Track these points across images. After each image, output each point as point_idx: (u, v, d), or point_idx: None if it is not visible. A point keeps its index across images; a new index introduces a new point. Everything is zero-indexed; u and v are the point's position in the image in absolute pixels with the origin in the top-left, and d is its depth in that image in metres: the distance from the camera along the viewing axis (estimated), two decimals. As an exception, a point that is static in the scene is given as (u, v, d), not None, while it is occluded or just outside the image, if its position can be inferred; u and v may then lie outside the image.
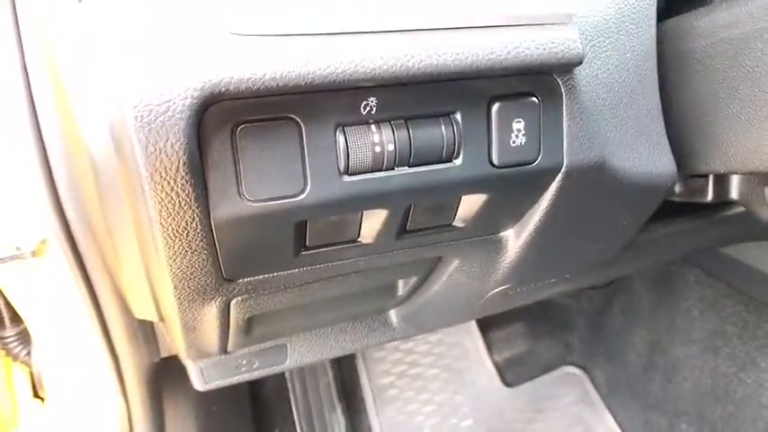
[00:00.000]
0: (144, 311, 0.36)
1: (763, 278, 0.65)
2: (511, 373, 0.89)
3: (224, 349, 0.39)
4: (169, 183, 0.21)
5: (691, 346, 0.78)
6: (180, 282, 0.26)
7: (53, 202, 0.34)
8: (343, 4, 0.22)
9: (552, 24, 0.25)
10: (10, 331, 0.56)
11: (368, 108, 0.24)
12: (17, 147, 0.33)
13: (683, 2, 0.36)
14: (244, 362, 0.42)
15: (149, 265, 0.29)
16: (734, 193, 0.39)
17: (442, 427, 0.82)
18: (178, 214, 0.22)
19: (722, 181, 0.40)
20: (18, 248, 0.46)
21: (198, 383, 0.41)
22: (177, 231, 0.23)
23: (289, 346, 0.43)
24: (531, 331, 0.92)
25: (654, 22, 0.34)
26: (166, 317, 0.34)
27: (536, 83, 0.26)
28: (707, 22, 0.34)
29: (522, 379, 0.90)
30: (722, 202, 0.40)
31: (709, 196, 0.39)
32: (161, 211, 0.22)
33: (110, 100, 0.21)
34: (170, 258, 0.24)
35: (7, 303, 0.56)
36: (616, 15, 0.32)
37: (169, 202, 0.21)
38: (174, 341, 0.39)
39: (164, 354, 0.45)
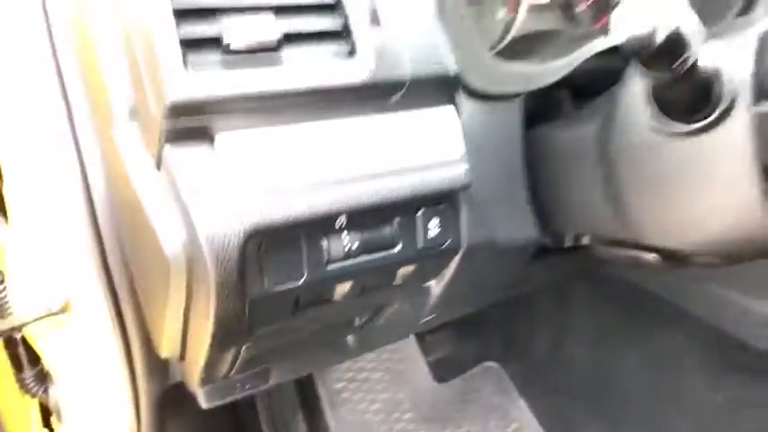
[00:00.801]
0: (169, 351, 0.48)
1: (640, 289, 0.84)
2: (441, 371, 1.05)
3: (227, 377, 0.51)
4: (228, 283, 0.34)
5: (583, 342, 0.97)
6: (217, 339, 0.39)
7: (100, 258, 0.45)
8: (326, 164, 0.36)
9: (451, 162, 0.40)
10: (28, 372, 0.65)
11: (341, 223, 0.38)
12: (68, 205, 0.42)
13: (542, 116, 0.52)
14: (238, 384, 0.55)
15: (190, 324, 0.41)
16: (584, 241, 0.56)
17: (387, 422, 0.97)
18: (229, 301, 0.35)
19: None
20: (49, 309, 0.56)
21: (204, 404, 0.54)
22: (225, 310, 0.36)
23: (271, 369, 0.56)
24: (456, 334, 1.08)
25: (519, 132, 0.50)
26: (190, 357, 0.47)
27: (444, 197, 0.41)
28: (559, 132, 0.51)
29: (451, 375, 1.06)
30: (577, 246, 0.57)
31: (568, 244, 0.56)
32: (218, 301, 0.35)
33: (184, 225, 0.33)
34: (215, 325, 0.37)
35: (26, 347, 0.65)
36: (493, 132, 0.48)
37: (224, 295, 0.34)
38: (188, 373, 0.51)
39: (171, 381, 0.56)
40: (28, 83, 0.40)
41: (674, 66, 0.29)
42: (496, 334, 1.07)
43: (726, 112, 0.34)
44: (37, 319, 0.52)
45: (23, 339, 0.60)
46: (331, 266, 0.38)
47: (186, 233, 0.33)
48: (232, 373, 0.52)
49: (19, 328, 0.53)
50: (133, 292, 0.45)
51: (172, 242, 0.34)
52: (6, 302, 0.55)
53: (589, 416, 0.95)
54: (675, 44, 0.28)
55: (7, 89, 0.42)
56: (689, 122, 0.35)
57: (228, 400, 0.56)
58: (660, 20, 0.27)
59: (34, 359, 0.62)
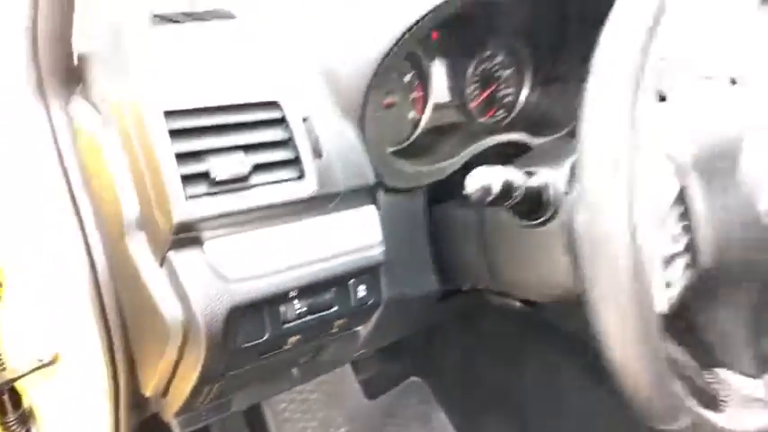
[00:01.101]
0: (153, 391, 0.60)
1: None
2: (371, 388, 1.20)
3: (197, 408, 0.63)
4: (214, 344, 0.47)
5: (489, 359, 1.14)
6: (199, 382, 0.52)
7: (102, 319, 0.56)
8: (284, 255, 0.50)
9: (372, 246, 0.56)
10: (12, 416, 0.73)
11: (293, 294, 0.51)
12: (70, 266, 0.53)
13: (445, 195, 0.69)
14: (204, 413, 0.67)
15: (178, 372, 0.54)
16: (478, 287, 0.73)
17: (324, 434, 1.11)
18: (213, 356, 0.48)
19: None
20: (40, 360, 0.66)
21: (178, 431, 0.65)
22: (210, 362, 0.49)
23: (233, 399, 0.69)
24: (383, 356, 1.23)
25: (423, 212, 0.66)
26: (172, 395, 0.59)
27: (367, 270, 0.56)
28: (454, 211, 0.67)
29: (380, 392, 1.21)
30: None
31: (467, 287, 0.72)
32: (205, 357, 0.48)
33: (182, 306, 0.46)
34: (200, 373, 0.50)
35: (11, 391, 0.73)
36: (404, 215, 0.64)
37: (211, 352, 0.47)
38: (166, 407, 0.63)
39: (147, 414, 0.67)
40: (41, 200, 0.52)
41: (507, 203, 0.45)
42: (418, 354, 1.23)
43: (551, 217, 0.51)
44: (30, 372, 0.63)
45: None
46: (286, 326, 0.52)
47: (183, 312, 0.46)
48: (203, 405, 0.65)
49: (13, 381, 0.63)
50: (126, 346, 0.57)
51: (172, 318, 0.46)
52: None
53: (496, 421, 1.13)
54: (507, 191, 0.44)
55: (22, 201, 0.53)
56: (530, 220, 0.52)
57: (199, 426, 0.68)
58: (495, 176, 0.43)
59: (16, 401, 0.71)
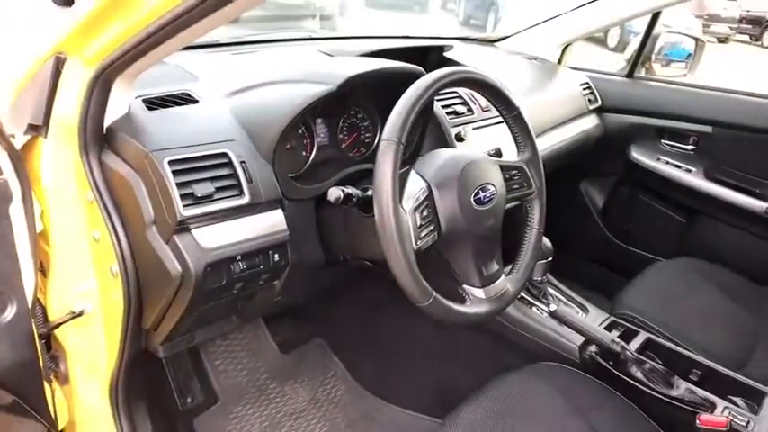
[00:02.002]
0: (149, 324, 0.98)
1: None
2: (285, 347, 1.61)
3: (173, 339, 1.03)
4: (197, 286, 0.87)
5: (370, 315, 1.60)
6: (184, 314, 0.92)
7: (124, 276, 0.95)
8: (232, 236, 0.92)
9: (281, 232, 0.98)
10: (46, 355, 1.06)
11: (239, 258, 0.93)
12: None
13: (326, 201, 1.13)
14: (178, 342, 1.06)
15: (170, 309, 0.92)
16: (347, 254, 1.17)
17: (252, 380, 1.50)
18: (195, 294, 0.89)
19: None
20: (73, 312, 1.01)
21: (162, 354, 1.04)
22: (193, 298, 0.89)
23: (195, 334, 1.09)
24: (293, 322, 1.65)
25: (313, 213, 1.10)
26: (161, 328, 0.97)
27: (281, 245, 0.99)
28: (330, 209, 1.12)
29: (291, 349, 1.62)
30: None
31: (340, 257, 1.16)
32: (192, 295, 0.88)
33: (179, 265, 0.86)
34: (187, 307, 0.90)
35: (47, 337, 1.07)
36: (303, 215, 1.07)
37: (195, 291, 0.88)
38: (154, 338, 1.00)
39: (139, 347, 1.05)
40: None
41: (349, 205, 0.91)
42: (319, 320, 1.67)
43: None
44: (66, 320, 1.00)
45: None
46: (234, 275, 0.93)
47: (180, 267, 0.87)
48: (178, 336, 1.04)
49: (54, 328, 0.99)
50: (137, 298, 0.95)
51: (174, 271, 0.86)
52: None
53: (378, 361, 1.58)
54: (348, 198, 0.89)
55: None
56: (366, 214, 0.98)
57: (174, 351, 1.08)
58: (339, 191, 0.89)
59: (48, 344, 1.06)
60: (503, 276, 0.98)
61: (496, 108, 1.02)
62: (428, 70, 1.09)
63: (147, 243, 0.88)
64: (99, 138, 0.90)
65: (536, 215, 1.05)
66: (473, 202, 0.91)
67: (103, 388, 1.02)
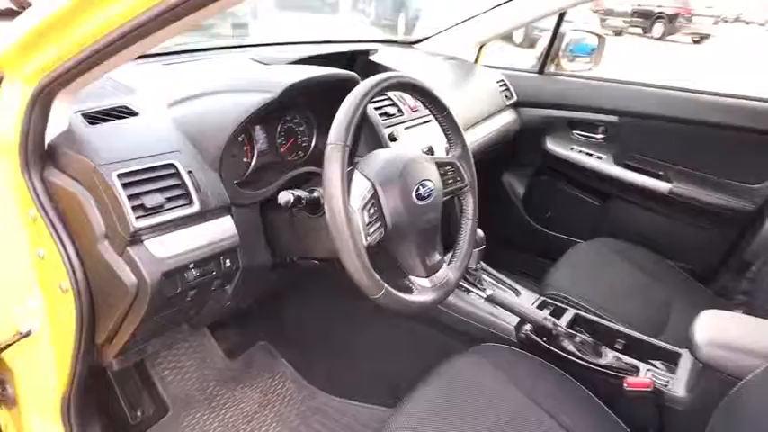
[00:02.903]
0: (102, 339, 0.97)
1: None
2: (230, 353, 1.62)
3: (126, 352, 1.02)
4: (153, 295, 0.88)
5: (311, 315, 1.63)
6: (140, 325, 0.92)
7: (76, 292, 0.93)
8: (185, 244, 0.93)
9: (231, 237, 1.00)
10: None
11: (192, 266, 0.95)
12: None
13: (271, 204, 1.16)
14: (131, 355, 1.05)
15: (124, 322, 0.92)
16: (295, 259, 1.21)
17: (201, 387, 1.51)
18: (151, 304, 0.90)
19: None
20: (20, 333, 0.98)
21: (116, 367, 1.03)
22: (149, 308, 0.90)
23: (147, 346, 1.08)
24: (237, 328, 1.66)
25: (258, 216, 1.13)
26: (115, 341, 0.96)
27: (232, 250, 1.01)
28: (277, 213, 1.15)
29: (237, 354, 1.63)
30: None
31: (287, 259, 1.20)
32: (149, 305, 0.89)
33: (135, 277, 0.86)
34: (143, 317, 0.90)
35: None
36: (248, 219, 1.10)
37: (152, 301, 0.89)
38: (107, 352, 0.99)
39: (90, 363, 1.03)
40: None
41: (298, 206, 0.95)
42: (263, 324, 1.69)
43: (323, 212, 1.01)
44: (14, 342, 0.97)
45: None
46: (188, 283, 0.95)
47: (136, 278, 0.87)
48: (131, 348, 1.04)
49: (1, 350, 0.96)
50: (91, 314, 0.94)
51: (130, 283, 0.87)
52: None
53: (325, 358, 1.62)
54: (298, 200, 0.94)
55: None
56: (313, 214, 1.02)
57: (128, 364, 1.07)
58: (289, 194, 0.92)
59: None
60: (444, 265, 1.06)
61: (428, 108, 1.09)
62: (357, 74, 1.15)
63: (100, 257, 0.88)
64: (40, 155, 0.89)
65: (470, 207, 1.13)
66: (415, 198, 0.97)
67: (55, 408, 1.00)
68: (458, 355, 1.21)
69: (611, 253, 1.77)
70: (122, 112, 0.99)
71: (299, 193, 0.95)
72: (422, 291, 1.00)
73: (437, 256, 1.04)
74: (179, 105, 1.05)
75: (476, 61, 2.13)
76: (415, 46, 2.14)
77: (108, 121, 0.95)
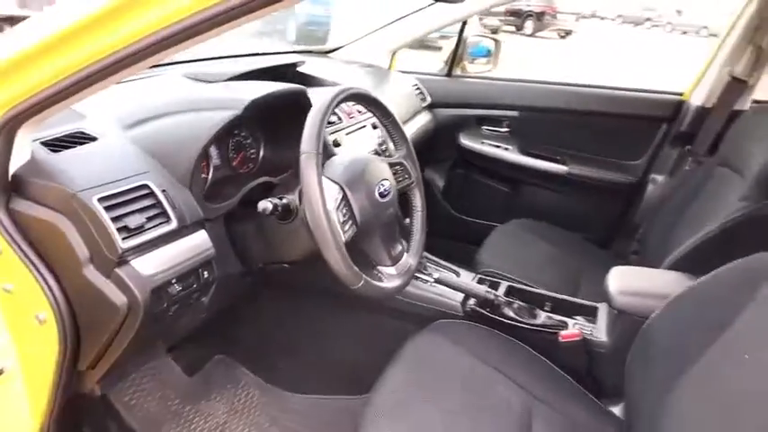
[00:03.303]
0: (85, 365, 0.98)
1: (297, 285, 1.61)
2: (189, 370, 1.62)
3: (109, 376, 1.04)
4: (145, 312, 0.92)
5: (268, 323, 1.68)
6: (130, 344, 0.95)
7: (59, 322, 0.93)
8: (170, 260, 0.97)
9: (208, 249, 1.06)
10: None
11: (174, 281, 0.99)
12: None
13: (237, 215, 1.21)
14: (114, 379, 1.07)
15: (113, 343, 0.94)
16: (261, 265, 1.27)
17: (164, 408, 1.50)
18: (143, 321, 0.93)
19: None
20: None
21: (99, 392, 1.04)
22: (140, 326, 0.93)
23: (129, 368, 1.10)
24: (193, 344, 1.67)
25: (223, 228, 1.19)
26: (99, 366, 0.98)
27: (208, 263, 1.06)
28: (246, 223, 1.21)
29: (196, 370, 1.65)
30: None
31: (255, 267, 1.26)
32: (141, 322, 0.92)
33: (126, 297, 0.89)
34: (135, 333, 0.93)
35: None
36: (217, 231, 1.15)
37: (143, 317, 0.92)
38: (89, 378, 1.00)
39: (71, 393, 1.03)
40: None
41: (275, 214, 1.03)
42: (216, 337, 1.71)
43: (294, 218, 1.09)
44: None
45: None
46: (172, 298, 0.99)
47: (126, 298, 0.91)
48: (115, 370, 1.05)
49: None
50: (75, 342, 0.95)
51: (121, 303, 0.90)
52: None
53: (286, 360, 1.67)
54: (275, 208, 1.01)
55: None
56: (284, 220, 1.10)
57: (107, 390, 1.08)
58: (268, 202, 1.00)
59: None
60: (405, 254, 1.18)
61: (375, 115, 1.20)
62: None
63: (85, 281, 0.90)
64: (4, 186, 0.90)
65: (418, 200, 1.26)
66: (377, 196, 1.08)
67: None
68: (415, 336, 1.33)
69: (525, 232, 1.98)
70: (80, 138, 1.01)
71: (275, 200, 1.03)
72: (390, 278, 1.11)
73: (399, 247, 1.16)
74: (137, 127, 1.09)
75: (389, 67, 2.27)
76: (329, 55, 2.25)
77: (69, 147, 0.97)
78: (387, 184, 1.12)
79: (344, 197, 1.04)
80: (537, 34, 17.24)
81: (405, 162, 1.24)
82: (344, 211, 1.03)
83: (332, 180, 1.04)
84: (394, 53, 2.27)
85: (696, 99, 2.01)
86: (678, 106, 2.06)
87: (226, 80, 1.39)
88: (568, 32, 18.18)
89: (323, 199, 0.94)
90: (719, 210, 1.41)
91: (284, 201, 1.07)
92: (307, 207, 0.94)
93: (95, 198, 0.89)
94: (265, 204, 1.01)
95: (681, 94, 2.07)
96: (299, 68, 1.74)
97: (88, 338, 0.96)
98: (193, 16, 0.67)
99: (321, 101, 1.01)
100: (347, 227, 1.02)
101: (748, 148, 1.47)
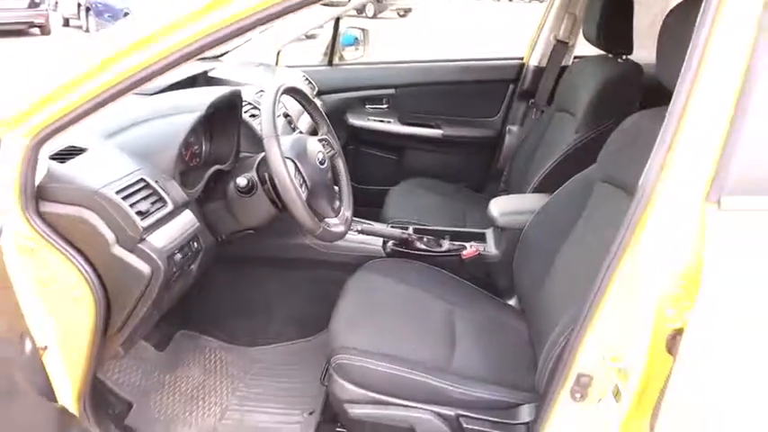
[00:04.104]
0: (115, 328, 1.21)
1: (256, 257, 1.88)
2: (159, 346, 1.84)
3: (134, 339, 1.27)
4: (164, 276, 1.18)
5: (230, 294, 1.94)
6: (150, 308, 1.20)
7: (91, 296, 1.14)
8: (171, 236, 1.23)
9: (192, 225, 1.32)
10: None
11: (176, 251, 1.25)
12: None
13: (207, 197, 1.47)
14: (134, 340, 1.30)
15: (137, 307, 1.18)
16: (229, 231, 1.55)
17: (148, 380, 1.72)
18: (162, 285, 1.19)
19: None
20: (40, 347, 1.15)
21: (123, 353, 1.27)
22: (158, 290, 1.19)
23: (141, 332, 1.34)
24: (160, 325, 1.88)
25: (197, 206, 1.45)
26: (124, 330, 1.21)
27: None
28: (211, 204, 1.48)
29: (165, 346, 1.87)
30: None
31: (222, 238, 1.54)
32: (160, 286, 1.18)
33: (149, 266, 1.14)
34: (155, 297, 1.19)
35: None
36: (196, 209, 1.41)
37: (162, 281, 1.18)
38: (116, 340, 1.23)
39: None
40: None
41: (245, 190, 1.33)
42: (176, 317, 1.93)
43: (253, 191, 1.39)
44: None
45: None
46: (177, 265, 1.25)
47: (149, 267, 1.16)
48: (134, 334, 1.29)
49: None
50: (106, 310, 1.17)
51: (146, 271, 1.15)
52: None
53: (243, 322, 1.91)
54: (248, 184, 1.31)
55: None
56: (245, 193, 1.40)
57: (127, 350, 1.31)
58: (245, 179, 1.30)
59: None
60: (342, 208, 1.53)
61: (301, 104, 1.53)
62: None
63: (114, 258, 1.14)
64: (33, 194, 1.11)
65: (341, 165, 1.62)
66: (318, 164, 1.42)
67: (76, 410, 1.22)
68: (354, 275, 1.69)
69: (416, 188, 2.42)
70: (73, 151, 1.22)
71: (247, 176, 1.33)
72: (336, 226, 1.46)
73: (337, 202, 1.51)
74: (116, 136, 1.32)
75: (276, 64, 2.56)
76: (220, 59, 2.48)
77: (70, 158, 1.19)
78: (321, 155, 1.46)
79: (297, 168, 1.36)
80: (379, 15, 17.97)
81: (327, 137, 1.59)
82: (299, 179, 1.36)
83: (285, 156, 1.36)
84: (279, 51, 2.56)
85: (533, 61, 2.57)
86: (520, 69, 2.61)
87: (160, 91, 1.62)
88: (408, 10, 19.14)
89: (287, 170, 1.26)
90: (561, 143, 1.93)
91: (250, 177, 1.37)
92: (276, 177, 1.26)
93: (113, 191, 1.13)
94: (244, 181, 1.31)
95: (521, 59, 2.62)
96: (210, 74, 1.99)
97: (117, 307, 1.19)
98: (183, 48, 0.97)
99: (268, 97, 1.32)
100: (303, 189, 1.35)
101: (574, 94, 2.00)
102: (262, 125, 1.27)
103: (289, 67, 2.59)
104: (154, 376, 1.74)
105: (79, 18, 12.41)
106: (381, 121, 2.67)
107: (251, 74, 2.28)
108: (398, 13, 18.88)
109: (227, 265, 1.84)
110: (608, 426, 1.06)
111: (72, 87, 1.01)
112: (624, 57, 1.95)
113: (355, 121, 2.68)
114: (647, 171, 0.90)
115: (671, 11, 1.12)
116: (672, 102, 0.88)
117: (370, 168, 2.78)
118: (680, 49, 0.89)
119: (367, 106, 2.71)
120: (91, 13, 11.61)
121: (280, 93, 1.35)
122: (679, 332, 0.92)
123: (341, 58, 2.68)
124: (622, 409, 1.01)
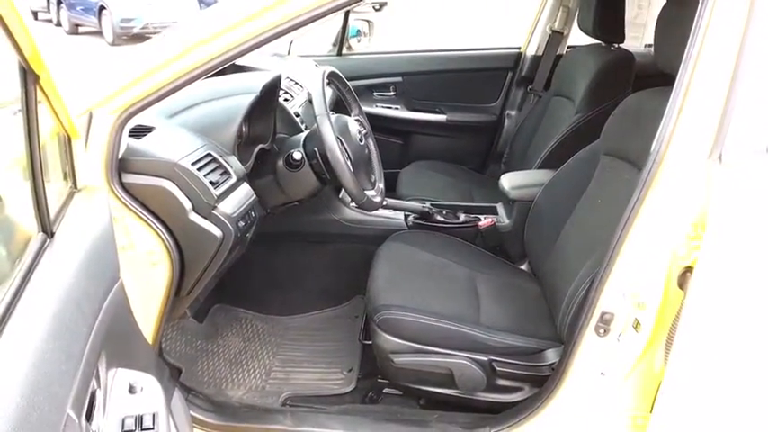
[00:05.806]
0: (187, 290, 1.35)
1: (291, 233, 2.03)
2: (200, 317, 1.98)
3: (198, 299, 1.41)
4: (233, 243, 1.33)
5: (262, 270, 2.08)
6: (219, 268, 1.34)
7: (169, 258, 1.28)
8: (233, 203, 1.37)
9: (251, 196, 1.47)
10: None
11: (239, 219, 1.40)
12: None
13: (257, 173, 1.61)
14: (199, 302, 1.44)
15: (208, 269, 1.32)
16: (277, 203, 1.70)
17: (192, 348, 1.87)
18: (231, 250, 1.33)
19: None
20: None
21: (189, 312, 1.41)
22: (228, 251, 1.33)
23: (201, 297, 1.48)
24: (201, 299, 2.01)
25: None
26: (193, 293, 1.35)
27: None
28: (260, 179, 1.62)
29: (203, 317, 2.00)
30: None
31: (268, 209, 1.68)
32: (229, 251, 1.32)
33: (221, 231, 1.29)
34: (225, 258, 1.33)
35: None
36: (253, 183, 1.55)
37: (232, 243, 1.32)
38: (185, 301, 1.37)
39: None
40: None
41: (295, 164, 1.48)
42: (212, 292, 2.06)
43: (301, 166, 1.55)
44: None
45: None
46: (241, 231, 1.40)
47: (222, 232, 1.30)
48: (200, 296, 1.43)
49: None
50: (180, 273, 1.31)
51: (218, 235, 1.29)
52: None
53: (275, 295, 2.06)
54: (302, 159, 1.46)
55: None
56: (293, 169, 1.55)
57: (192, 310, 1.45)
58: (299, 152, 1.45)
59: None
60: (377, 181, 1.69)
61: (337, 87, 1.68)
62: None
63: (191, 223, 1.28)
64: (117, 167, 1.24)
65: (372, 144, 1.78)
66: (359, 141, 1.58)
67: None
68: (382, 246, 1.85)
69: (424, 169, 2.59)
70: (143, 129, 1.35)
71: (300, 152, 1.48)
72: (374, 197, 1.62)
73: (373, 176, 1.67)
74: (178, 116, 1.45)
75: (288, 53, 2.70)
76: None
77: (144, 135, 1.32)
78: (360, 133, 1.62)
79: (342, 144, 1.52)
80: (356, 9, 18.02)
81: (360, 118, 1.75)
82: (347, 153, 1.51)
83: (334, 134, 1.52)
84: (291, 42, 2.70)
85: (530, 50, 2.76)
86: (518, 57, 2.80)
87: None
88: (383, 4, 19.26)
89: (339, 144, 1.42)
90: (561, 124, 2.12)
91: (301, 153, 1.52)
92: (329, 152, 1.41)
93: (189, 163, 1.27)
94: (297, 154, 1.46)
95: (519, 48, 2.80)
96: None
97: (190, 270, 1.33)
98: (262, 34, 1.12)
99: (316, 81, 1.47)
100: (349, 163, 1.51)
101: (572, 80, 2.19)
102: (314, 105, 1.42)
103: (300, 56, 2.73)
104: (197, 345, 1.88)
105: (49, 11, 11.80)
106: (389, 107, 2.82)
107: (269, 62, 2.42)
108: (374, 7, 18.92)
109: (259, 242, 1.99)
110: (628, 356, 1.24)
111: (157, 70, 1.15)
112: (616, 45, 2.14)
113: (364, 107, 2.82)
114: (659, 135, 1.08)
115: (666, 3, 1.30)
116: (678, 77, 1.06)
117: (379, 152, 2.93)
118: (678, 33, 1.08)
119: (375, 94, 2.86)
120: (62, 5, 10.94)
121: (325, 76, 1.50)
122: (689, 269, 1.11)
123: (349, 48, 2.83)
124: (642, 338, 1.20)
